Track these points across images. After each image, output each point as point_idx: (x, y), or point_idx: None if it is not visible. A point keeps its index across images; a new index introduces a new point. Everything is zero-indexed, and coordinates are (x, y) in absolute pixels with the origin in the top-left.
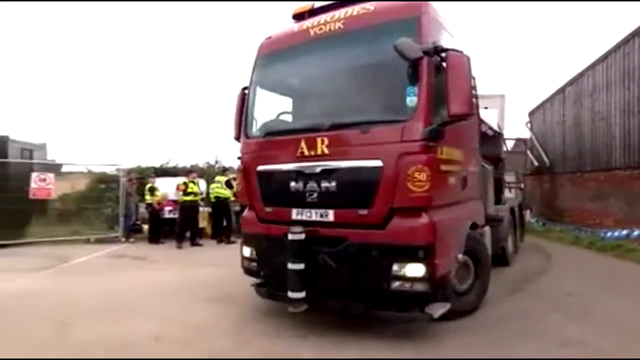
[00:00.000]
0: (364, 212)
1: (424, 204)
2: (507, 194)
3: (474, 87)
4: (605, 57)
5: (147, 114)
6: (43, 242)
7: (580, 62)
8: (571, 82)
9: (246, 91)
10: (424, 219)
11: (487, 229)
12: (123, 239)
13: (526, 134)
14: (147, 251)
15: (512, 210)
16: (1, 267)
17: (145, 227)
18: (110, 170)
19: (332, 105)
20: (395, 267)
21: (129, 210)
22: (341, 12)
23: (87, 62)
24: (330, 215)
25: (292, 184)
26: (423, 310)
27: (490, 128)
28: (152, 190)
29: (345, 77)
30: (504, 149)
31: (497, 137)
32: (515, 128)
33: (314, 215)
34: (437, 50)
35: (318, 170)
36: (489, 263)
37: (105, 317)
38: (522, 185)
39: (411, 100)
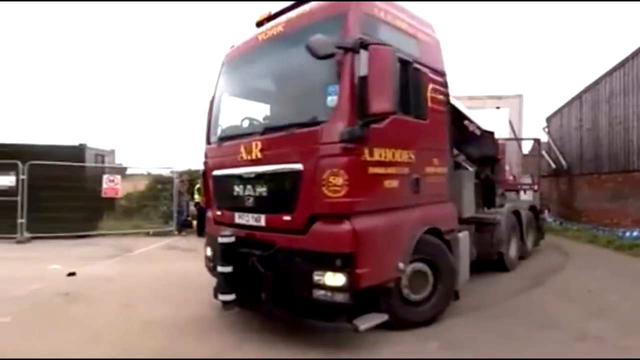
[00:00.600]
0: (287, 217)
1: (343, 210)
2: (522, 195)
3: (444, 84)
4: (622, 64)
5: (197, 120)
6: (112, 234)
7: (595, 69)
8: (588, 89)
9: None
10: (344, 226)
11: (462, 234)
12: (176, 232)
13: (544, 137)
14: (196, 243)
15: (516, 212)
16: (83, 254)
17: (195, 222)
18: (165, 172)
19: (270, 109)
20: (315, 275)
21: (181, 208)
22: (286, 16)
23: (143, 75)
24: (262, 220)
25: (235, 188)
26: (351, 320)
27: (479, 128)
28: (200, 190)
29: (280, 79)
30: (518, 148)
31: (488, 136)
32: (536, 130)
33: (250, 219)
34: (361, 45)
35: (252, 175)
36: (453, 272)
37: (164, 300)
38: (537, 187)
39: (331, 100)
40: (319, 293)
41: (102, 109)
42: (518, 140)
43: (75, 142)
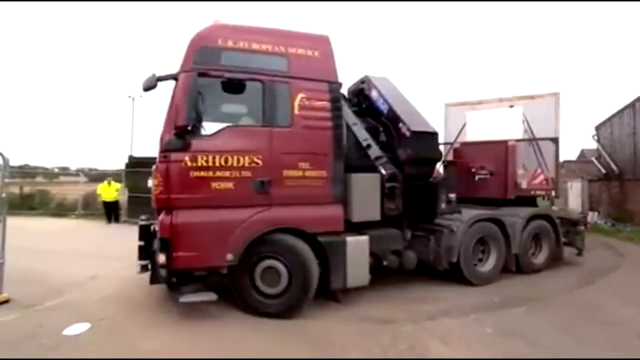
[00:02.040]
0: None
1: (161, 204)
2: (570, 202)
3: (327, 91)
4: None
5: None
6: None
7: None
8: None
9: None
10: (166, 217)
11: (352, 238)
12: None
13: (590, 144)
14: None
15: (496, 221)
16: None
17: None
18: None
19: None
20: (159, 253)
21: None
22: None
23: None
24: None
25: None
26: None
27: (409, 129)
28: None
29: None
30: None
31: (421, 137)
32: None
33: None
34: (177, 74)
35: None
36: (306, 272)
37: None
38: (554, 193)
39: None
40: (160, 269)
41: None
42: (535, 140)
43: None
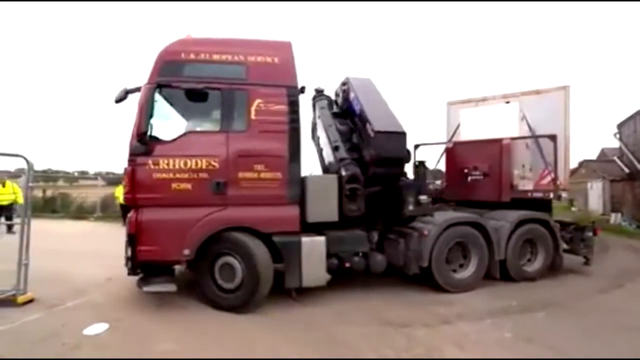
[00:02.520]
0: None
1: (128, 203)
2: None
3: (290, 95)
4: None
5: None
6: None
7: None
8: None
9: None
10: (133, 214)
11: (308, 239)
12: None
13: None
14: None
15: (476, 225)
16: None
17: None
18: None
19: None
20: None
21: None
22: None
23: None
24: None
25: None
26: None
27: (372, 129)
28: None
29: None
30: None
31: (385, 137)
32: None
33: None
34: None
35: None
36: (263, 270)
37: None
38: (552, 195)
39: None
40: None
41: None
42: (531, 138)
43: None
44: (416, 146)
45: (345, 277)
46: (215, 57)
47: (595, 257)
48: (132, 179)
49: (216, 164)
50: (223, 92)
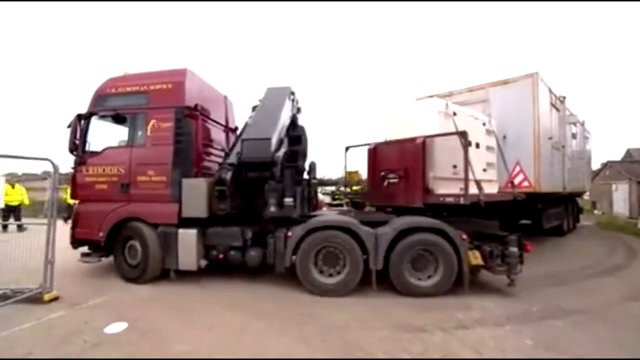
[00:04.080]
0: None
1: (72, 198)
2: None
3: (176, 114)
4: None
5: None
6: None
7: None
8: None
9: None
10: (76, 206)
11: (182, 231)
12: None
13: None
14: None
15: (346, 230)
16: None
17: None
18: None
19: None
20: None
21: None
22: None
23: None
24: None
25: None
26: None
27: (242, 138)
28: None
29: None
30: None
31: (252, 144)
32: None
33: None
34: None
35: None
36: (152, 251)
37: None
38: (462, 200)
39: None
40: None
41: None
42: (444, 135)
43: None
44: (347, 148)
45: (270, 272)
46: (128, 89)
47: (624, 263)
48: (74, 181)
49: (123, 170)
50: (130, 116)
